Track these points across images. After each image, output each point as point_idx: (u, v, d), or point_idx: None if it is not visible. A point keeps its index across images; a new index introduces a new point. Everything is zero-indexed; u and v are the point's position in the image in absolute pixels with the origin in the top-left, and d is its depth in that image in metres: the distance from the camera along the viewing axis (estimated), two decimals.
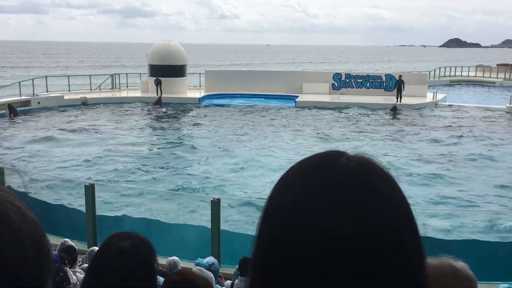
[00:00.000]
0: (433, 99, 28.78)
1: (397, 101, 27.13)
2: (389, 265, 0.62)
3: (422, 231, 0.68)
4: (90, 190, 8.19)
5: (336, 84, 31.21)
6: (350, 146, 18.23)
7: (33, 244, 0.64)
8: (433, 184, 13.89)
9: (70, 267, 4.97)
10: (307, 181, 0.66)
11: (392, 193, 0.67)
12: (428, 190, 13.24)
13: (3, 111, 23.46)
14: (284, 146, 18.43)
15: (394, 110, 25.82)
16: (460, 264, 1.40)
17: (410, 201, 0.69)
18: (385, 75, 31.23)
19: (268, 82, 31.12)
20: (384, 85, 30.68)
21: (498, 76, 45.14)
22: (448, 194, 13.00)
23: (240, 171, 14.87)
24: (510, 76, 44.36)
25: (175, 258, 5.37)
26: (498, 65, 52.67)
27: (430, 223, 9.78)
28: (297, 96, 29.11)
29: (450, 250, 1.46)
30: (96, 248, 5.71)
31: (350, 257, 0.61)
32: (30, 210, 0.67)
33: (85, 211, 8.32)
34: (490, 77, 45.81)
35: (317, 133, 20.70)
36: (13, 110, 23.33)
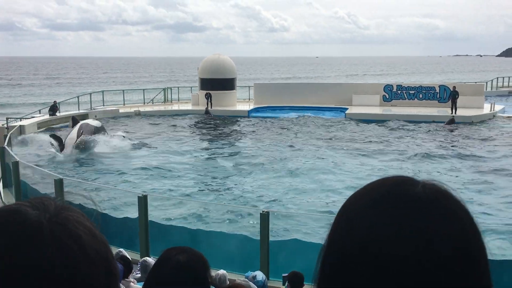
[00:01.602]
0: (490, 110, 27.61)
1: (451, 113, 26.19)
2: (459, 284, 0.65)
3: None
4: (143, 201, 8.40)
5: (387, 96, 30.60)
6: (405, 162, 17.69)
7: (102, 262, 0.68)
8: (493, 203, 13.24)
9: (125, 277, 5.09)
10: (384, 209, 0.68)
11: (468, 221, 0.70)
12: (488, 210, 12.64)
13: (67, 123, 24.92)
14: (334, 160, 18.18)
15: (451, 123, 24.70)
16: None
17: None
18: (439, 86, 30.30)
19: (317, 94, 30.98)
20: (437, 97, 29.78)
21: None
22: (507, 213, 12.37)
23: (289, 184, 14.81)
24: None
25: (223, 272, 5.40)
26: None
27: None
28: (347, 108, 28.78)
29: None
30: (149, 259, 5.83)
31: (427, 281, 0.64)
32: (98, 230, 0.71)
33: (137, 222, 8.54)
34: None
35: (368, 147, 20.29)
36: (76, 122, 24.47)
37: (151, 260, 5.58)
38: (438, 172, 16.16)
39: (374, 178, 0.76)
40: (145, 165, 17.38)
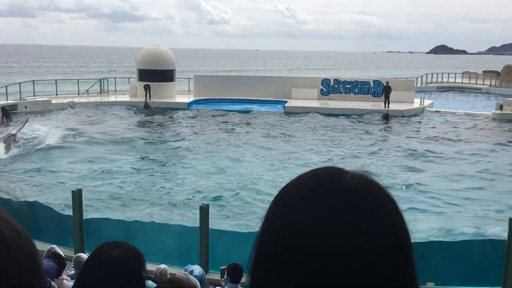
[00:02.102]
0: (420, 105, 29.07)
1: (385, 107, 27.33)
2: (390, 272, 0.67)
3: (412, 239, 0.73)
4: (77, 196, 8.11)
5: (325, 90, 31.36)
6: (340, 155, 18.30)
7: (26, 260, 0.63)
8: (420, 190, 13.99)
9: (59, 275, 4.90)
10: (317, 201, 0.68)
11: (396, 211, 0.71)
12: (415, 196, 13.34)
13: None
14: (272, 152, 18.43)
15: (387, 118, 25.68)
16: None
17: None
18: (373, 81, 31.47)
19: (257, 87, 31.17)
20: (372, 91, 30.90)
21: (484, 83, 45.79)
22: (433, 199, 13.12)
23: (228, 177, 14.84)
24: (496, 83, 45.03)
25: (164, 266, 5.34)
26: (484, 72, 53.35)
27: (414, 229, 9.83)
28: (286, 101, 29.20)
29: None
30: (83, 255, 5.64)
31: (360, 271, 0.65)
32: (21, 225, 0.66)
33: (71, 217, 8.23)
34: (476, 83, 46.43)
35: (306, 140, 20.75)
36: (7, 114, 22.92)
37: (85, 256, 5.40)
38: (371, 160, 16.89)
39: (308, 169, 0.77)
40: (79, 159, 16.75)
